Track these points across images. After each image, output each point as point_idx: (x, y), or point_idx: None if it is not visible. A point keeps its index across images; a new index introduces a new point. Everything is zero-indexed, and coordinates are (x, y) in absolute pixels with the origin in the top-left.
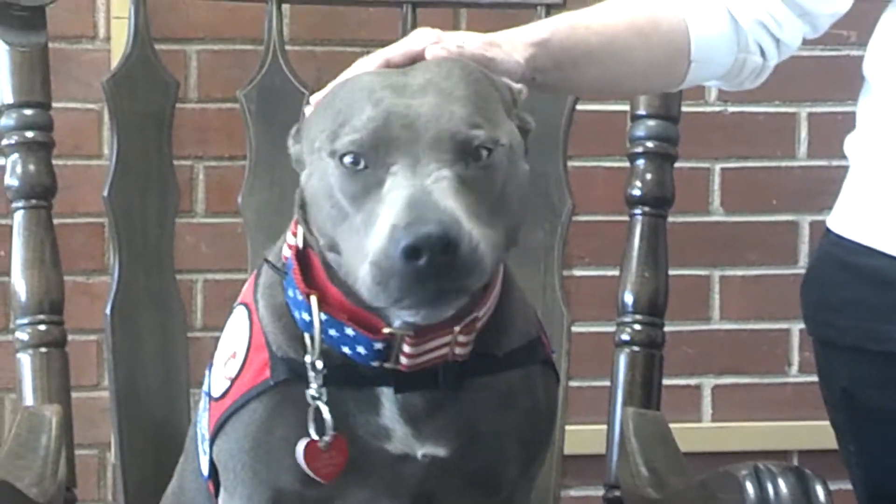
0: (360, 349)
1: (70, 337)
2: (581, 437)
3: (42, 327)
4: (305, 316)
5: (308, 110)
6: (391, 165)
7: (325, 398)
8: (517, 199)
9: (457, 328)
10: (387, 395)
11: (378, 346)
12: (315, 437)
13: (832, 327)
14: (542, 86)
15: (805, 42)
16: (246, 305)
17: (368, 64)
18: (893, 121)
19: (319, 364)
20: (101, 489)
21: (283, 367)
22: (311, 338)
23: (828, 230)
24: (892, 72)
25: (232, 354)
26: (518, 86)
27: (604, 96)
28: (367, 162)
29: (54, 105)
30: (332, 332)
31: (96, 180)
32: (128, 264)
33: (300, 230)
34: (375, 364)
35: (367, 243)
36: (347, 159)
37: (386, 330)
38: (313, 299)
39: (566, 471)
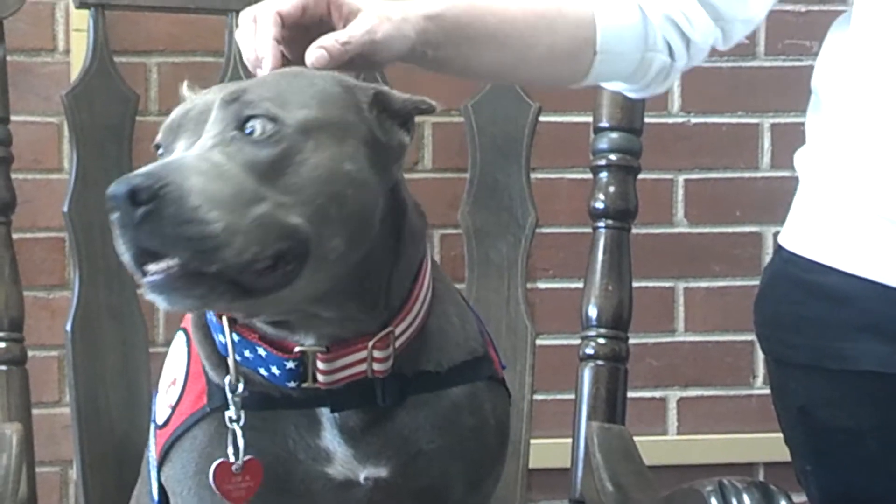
0: (274, 369)
1: (31, 353)
2: (546, 450)
3: (2, 345)
4: (221, 338)
5: None
6: (175, 149)
7: (242, 421)
8: (314, 187)
9: (370, 343)
10: (327, 416)
11: (290, 365)
12: (231, 458)
13: (787, 345)
14: (437, 62)
15: (767, 53)
16: (185, 330)
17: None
18: (842, 136)
19: (240, 387)
20: None
21: (220, 394)
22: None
23: (779, 247)
24: (841, 87)
25: (172, 381)
26: (433, 102)
27: (502, 81)
28: (165, 150)
29: (13, 118)
30: (247, 353)
31: (56, 194)
32: (88, 279)
33: None
34: (292, 385)
35: None
36: (159, 152)
37: (297, 348)
38: (225, 320)
39: (531, 485)
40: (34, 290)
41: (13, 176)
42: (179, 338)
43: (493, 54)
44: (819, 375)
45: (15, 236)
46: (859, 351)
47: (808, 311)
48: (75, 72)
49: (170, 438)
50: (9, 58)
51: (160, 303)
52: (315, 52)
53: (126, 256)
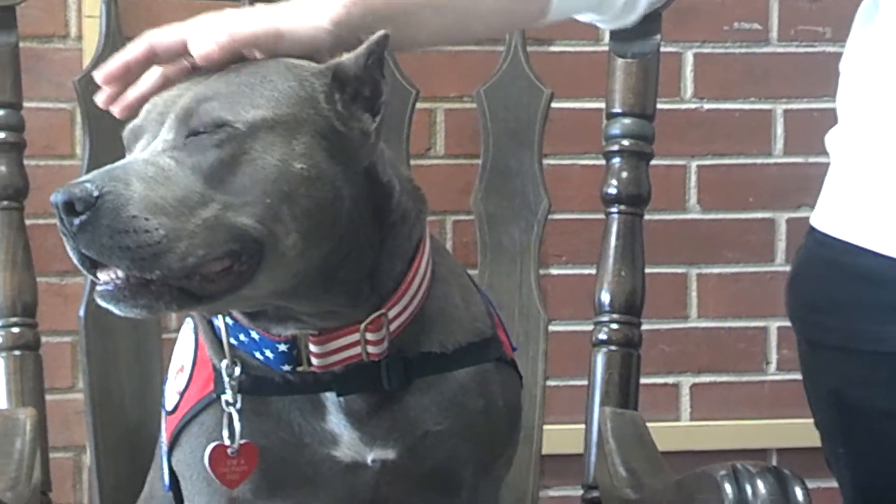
0: (268, 353)
1: (44, 339)
2: (559, 436)
3: (15, 330)
4: (218, 322)
5: None
6: (133, 149)
7: (239, 404)
8: (262, 188)
9: (362, 325)
10: (331, 399)
11: (282, 347)
12: (227, 442)
13: (820, 328)
14: None
15: (779, 39)
16: (192, 317)
17: (135, 48)
18: (875, 117)
19: (237, 370)
20: (76, 492)
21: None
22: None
23: (812, 228)
24: (872, 68)
25: (180, 368)
26: (381, 33)
27: (455, 43)
28: (127, 148)
29: (26, 105)
30: (241, 336)
31: (69, 180)
32: None
33: None
34: (286, 368)
35: None
36: (126, 150)
37: (287, 332)
38: None
39: (544, 470)
40: (47, 276)
41: (26, 162)
42: (188, 325)
43: (435, 19)
44: (853, 357)
45: (28, 222)
46: (894, 332)
47: (842, 292)
48: (88, 58)
49: (179, 424)
50: (21, 44)
51: (112, 310)
52: (204, 46)
53: (75, 261)
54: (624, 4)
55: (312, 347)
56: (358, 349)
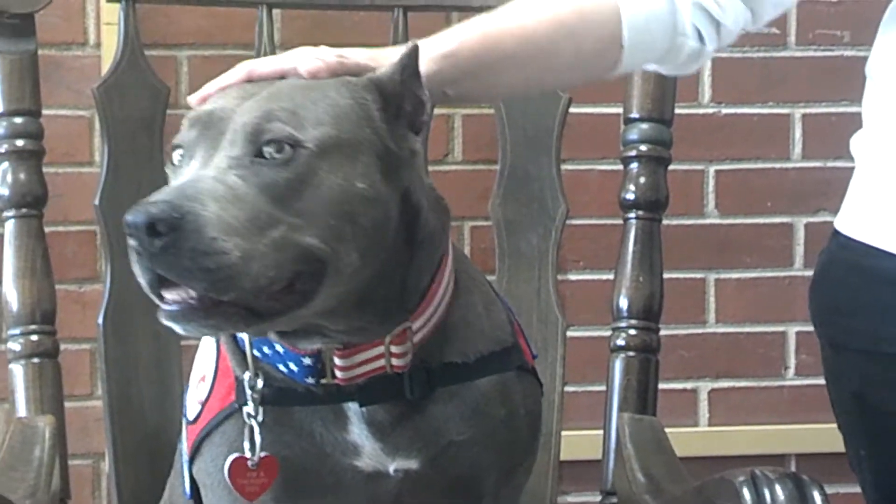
0: (292, 366)
1: (63, 346)
2: (577, 442)
3: (34, 338)
4: (241, 334)
5: None
6: (192, 160)
7: (260, 417)
8: (328, 209)
9: (387, 339)
10: (353, 410)
11: (307, 361)
12: (248, 454)
13: (843, 330)
14: (460, 97)
15: (798, 43)
16: None
17: (233, 75)
18: None
19: (259, 383)
20: (95, 499)
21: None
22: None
23: (836, 231)
24: None
25: (202, 378)
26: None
27: (528, 94)
28: (185, 155)
29: (45, 112)
30: (265, 349)
31: (88, 187)
32: (120, 272)
33: None
34: (310, 381)
35: None
36: (176, 155)
37: (313, 346)
38: None
39: (562, 476)
40: (66, 284)
41: (45, 169)
42: None
43: (516, 74)
44: (875, 360)
45: (47, 229)
46: None
47: (865, 295)
48: (106, 65)
49: (200, 434)
50: (40, 52)
51: (176, 330)
52: (311, 62)
53: (142, 281)
54: (687, 57)
55: (337, 361)
56: (382, 361)
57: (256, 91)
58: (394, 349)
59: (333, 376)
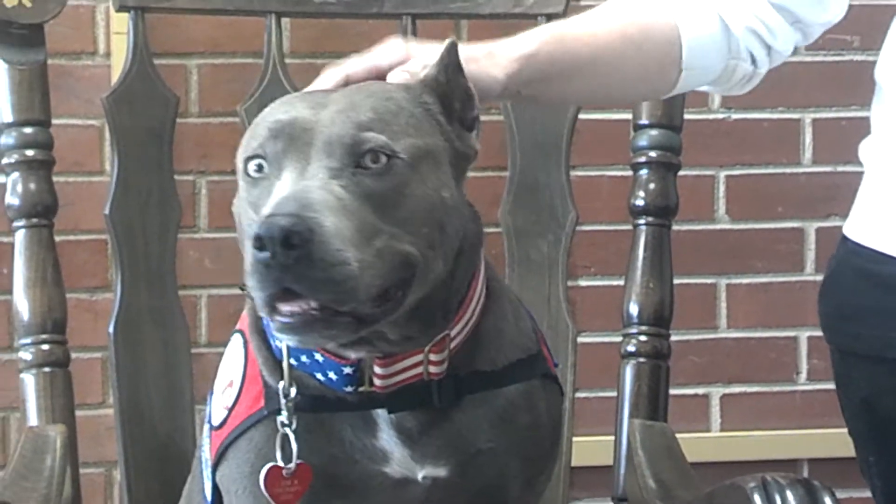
0: (332, 374)
1: (74, 355)
2: (588, 448)
3: (45, 347)
4: (278, 342)
5: None
6: (283, 172)
7: (294, 425)
8: (421, 217)
9: (426, 347)
10: (383, 417)
11: (347, 370)
12: (280, 463)
13: (852, 336)
14: (529, 97)
15: (807, 48)
16: (242, 333)
17: (329, 79)
18: None
19: (293, 391)
20: None
21: (277, 397)
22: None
23: (844, 237)
24: None
25: (229, 383)
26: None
27: (590, 105)
28: (267, 167)
29: (55, 121)
30: (304, 358)
31: (98, 196)
32: (130, 281)
33: None
34: (349, 389)
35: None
36: (251, 166)
37: (354, 355)
38: None
39: (574, 483)
40: (77, 293)
41: (55, 179)
42: (236, 340)
43: (583, 83)
44: (883, 366)
45: (57, 239)
46: None
47: (872, 300)
48: (116, 74)
49: (226, 440)
50: (50, 61)
51: (290, 342)
52: (400, 76)
53: (261, 294)
54: (741, 79)
55: (377, 370)
56: (420, 369)
57: (324, 100)
58: (432, 357)
59: (371, 384)
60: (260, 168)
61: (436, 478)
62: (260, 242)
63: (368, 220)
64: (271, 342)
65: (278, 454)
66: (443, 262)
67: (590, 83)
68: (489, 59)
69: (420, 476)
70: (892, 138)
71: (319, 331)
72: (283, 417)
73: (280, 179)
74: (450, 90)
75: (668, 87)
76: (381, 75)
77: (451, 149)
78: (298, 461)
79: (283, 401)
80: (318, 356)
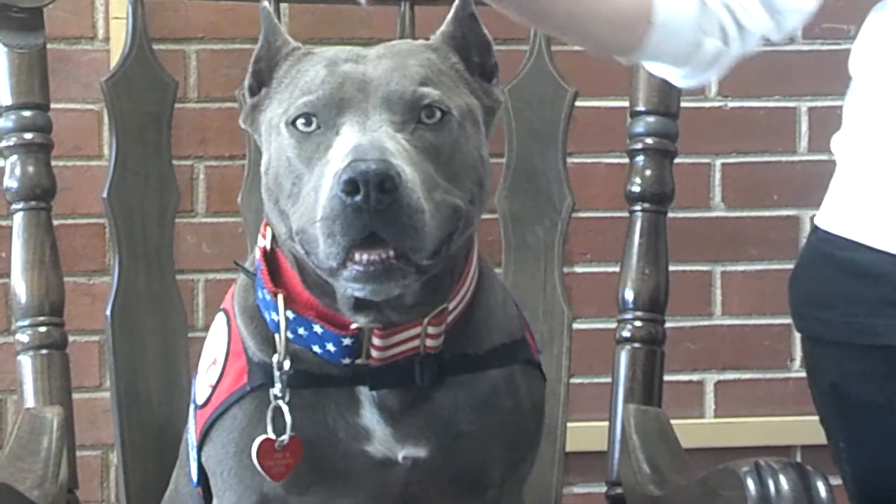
0: (330, 346)
1: (72, 338)
2: (583, 433)
3: (42, 329)
4: (274, 316)
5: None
6: (341, 126)
7: (287, 398)
8: (467, 173)
9: (426, 319)
10: (366, 395)
11: (347, 341)
12: (272, 435)
13: (820, 323)
14: (520, 13)
15: (804, 36)
16: (225, 311)
17: None
18: (877, 119)
19: (286, 364)
20: (104, 490)
21: (260, 372)
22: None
23: (815, 227)
24: (876, 71)
25: (212, 361)
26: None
27: (566, 36)
28: (320, 122)
29: (54, 105)
30: (301, 330)
31: (96, 181)
32: (128, 265)
33: (269, 232)
34: (346, 361)
35: (318, 203)
36: (301, 122)
37: (354, 325)
38: (280, 298)
39: (568, 468)
40: (75, 276)
41: (54, 163)
42: (219, 319)
43: (569, 4)
44: (850, 351)
45: (56, 223)
46: (890, 326)
47: (841, 287)
48: (115, 59)
49: (210, 418)
50: (49, 45)
51: (358, 291)
52: None
53: (343, 240)
54: (711, 57)
55: (376, 341)
56: (416, 342)
57: (363, 58)
58: (430, 330)
59: (368, 356)
60: (308, 122)
61: (416, 458)
62: (352, 186)
63: (429, 172)
64: (266, 316)
65: (269, 427)
66: (479, 218)
67: (572, 7)
68: None
69: (400, 456)
70: (862, 131)
71: (397, 279)
72: (276, 390)
73: (340, 134)
74: (467, 44)
75: (635, 42)
76: None
77: (481, 106)
78: (291, 434)
79: (276, 373)
80: (317, 328)
